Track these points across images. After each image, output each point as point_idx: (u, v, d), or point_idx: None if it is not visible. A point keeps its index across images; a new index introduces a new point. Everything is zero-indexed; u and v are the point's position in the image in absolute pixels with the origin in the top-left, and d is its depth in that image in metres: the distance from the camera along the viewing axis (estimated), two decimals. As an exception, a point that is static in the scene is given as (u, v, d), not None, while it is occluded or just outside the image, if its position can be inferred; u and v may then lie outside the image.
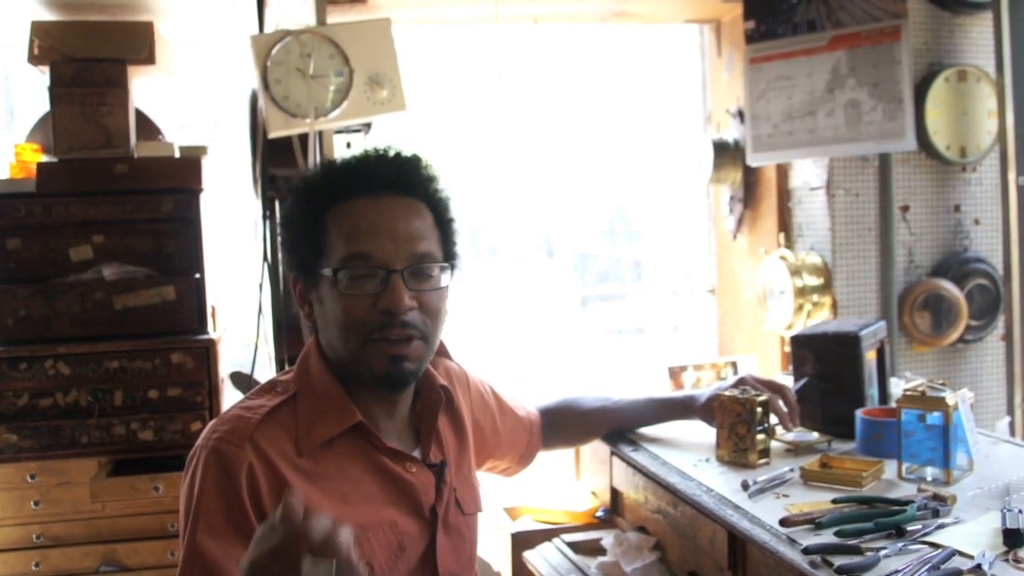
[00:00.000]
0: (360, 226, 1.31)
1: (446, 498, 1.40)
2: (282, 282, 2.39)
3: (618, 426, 1.92)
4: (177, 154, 2.34)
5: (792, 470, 1.63)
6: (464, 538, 1.45)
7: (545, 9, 2.92)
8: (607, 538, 1.86)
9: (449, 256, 1.38)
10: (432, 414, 1.44)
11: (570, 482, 2.21)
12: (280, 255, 2.37)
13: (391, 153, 1.37)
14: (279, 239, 1.43)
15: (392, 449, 1.35)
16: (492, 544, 2.15)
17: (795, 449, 1.79)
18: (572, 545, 1.92)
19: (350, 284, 1.29)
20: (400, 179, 1.35)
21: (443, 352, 1.62)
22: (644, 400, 1.93)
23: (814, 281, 2.73)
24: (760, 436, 1.71)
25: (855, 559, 1.24)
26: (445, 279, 1.36)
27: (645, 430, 1.94)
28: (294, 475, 1.26)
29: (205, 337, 2.26)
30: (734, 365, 2.99)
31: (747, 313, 3.10)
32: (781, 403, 1.79)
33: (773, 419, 1.77)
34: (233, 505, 1.22)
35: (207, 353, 2.24)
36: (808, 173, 2.81)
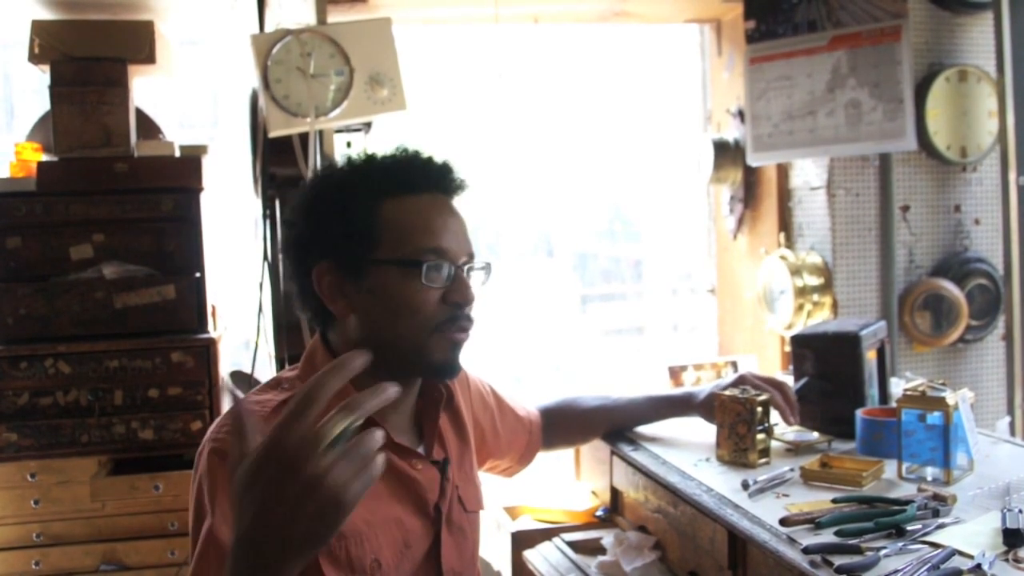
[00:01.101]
0: (434, 222, 1.36)
1: (449, 495, 1.41)
2: (282, 281, 2.38)
3: (618, 424, 1.93)
4: (177, 153, 2.34)
5: (792, 470, 1.63)
6: (467, 536, 1.45)
7: (545, 9, 2.92)
8: (607, 537, 1.86)
9: None
10: (435, 411, 1.45)
11: (570, 481, 2.21)
12: (286, 251, 2.36)
13: (437, 156, 1.43)
14: (294, 232, 1.41)
15: (399, 445, 1.36)
16: (492, 543, 2.15)
17: (795, 449, 1.79)
18: (572, 544, 1.92)
19: (427, 278, 1.34)
20: (452, 182, 1.42)
21: None
22: (643, 398, 1.94)
23: (814, 281, 2.73)
24: (760, 436, 1.71)
25: (855, 559, 1.24)
26: (483, 275, 1.43)
27: (645, 429, 1.94)
28: None
29: (205, 336, 2.26)
30: (734, 365, 2.99)
31: (747, 313, 3.10)
32: (781, 399, 1.80)
33: (773, 418, 1.77)
34: None
35: (207, 352, 2.24)
36: (808, 173, 2.81)
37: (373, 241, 1.34)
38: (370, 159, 1.42)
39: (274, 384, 1.38)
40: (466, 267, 1.37)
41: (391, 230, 1.34)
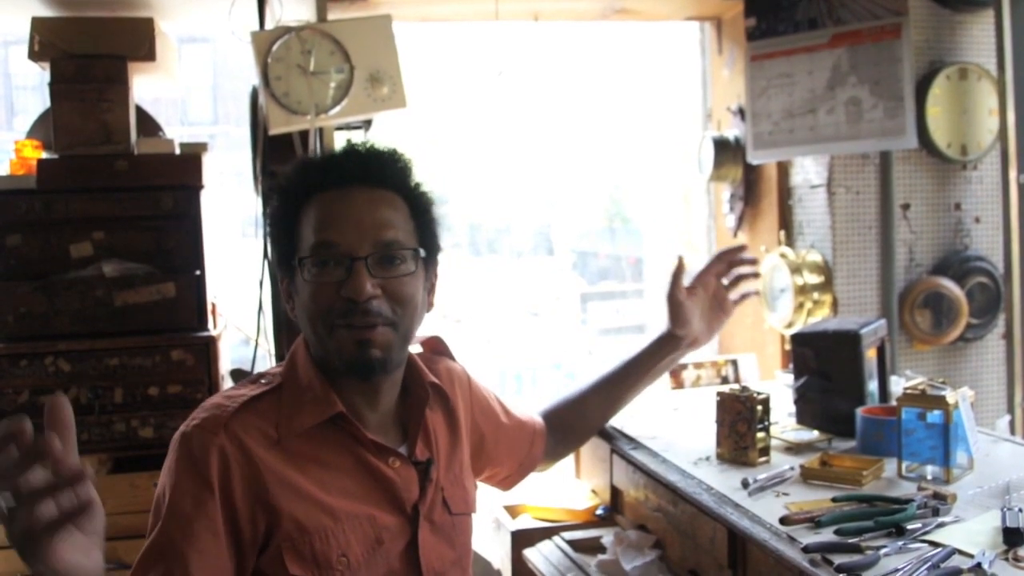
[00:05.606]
0: (326, 216, 1.33)
1: (430, 496, 1.39)
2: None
3: (622, 397, 1.88)
4: (177, 151, 2.34)
5: (792, 468, 1.63)
6: (452, 538, 1.43)
7: (545, 6, 2.91)
8: (607, 536, 1.86)
9: (427, 247, 1.39)
10: (419, 411, 1.44)
11: (570, 480, 2.21)
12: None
13: (363, 147, 1.39)
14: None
15: (374, 442, 1.35)
16: (492, 542, 2.15)
17: (795, 447, 1.79)
18: (572, 543, 1.92)
19: (316, 273, 1.32)
20: (369, 171, 1.37)
21: (445, 352, 1.62)
22: (629, 361, 1.87)
23: (815, 279, 2.73)
24: (760, 434, 1.71)
25: (855, 557, 1.24)
26: (413, 265, 1.35)
27: (645, 427, 1.93)
28: (272, 459, 1.28)
29: (205, 334, 2.26)
30: (734, 363, 2.98)
31: (747, 311, 3.09)
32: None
33: (773, 418, 1.77)
34: (202, 491, 1.24)
35: (207, 350, 2.24)
36: (809, 171, 2.81)
37: (293, 245, 1.36)
38: (304, 162, 1.44)
39: (255, 379, 1.39)
40: (369, 258, 1.30)
41: (301, 232, 1.35)
